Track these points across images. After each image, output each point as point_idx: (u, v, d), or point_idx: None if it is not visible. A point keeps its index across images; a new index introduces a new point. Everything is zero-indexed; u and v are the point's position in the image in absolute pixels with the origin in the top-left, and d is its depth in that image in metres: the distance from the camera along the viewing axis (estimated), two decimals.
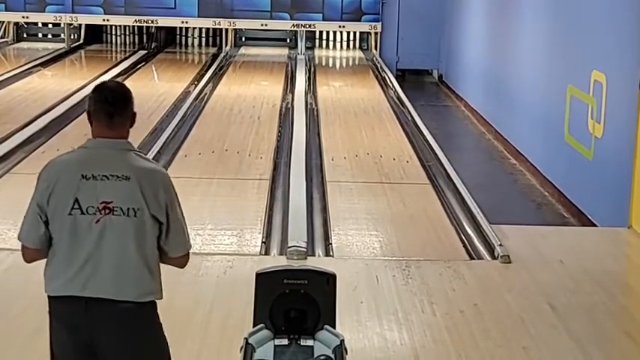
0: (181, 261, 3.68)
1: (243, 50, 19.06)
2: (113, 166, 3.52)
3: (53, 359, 3.67)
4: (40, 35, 19.80)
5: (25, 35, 19.80)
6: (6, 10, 18.66)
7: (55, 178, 3.53)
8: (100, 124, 3.58)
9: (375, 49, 18.39)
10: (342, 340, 3.56)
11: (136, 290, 3.53)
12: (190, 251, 3.70)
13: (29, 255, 3.65)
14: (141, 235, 3.51)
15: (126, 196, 3.49)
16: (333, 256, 6.83)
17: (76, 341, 3.55)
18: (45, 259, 3.65)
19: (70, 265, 3.51)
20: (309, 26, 18.43)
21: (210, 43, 19.77)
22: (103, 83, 3.67)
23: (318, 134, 11.22)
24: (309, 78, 15.75)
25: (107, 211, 3.48)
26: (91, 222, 3.49)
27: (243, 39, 19.46)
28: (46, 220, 3.55)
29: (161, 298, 3.63)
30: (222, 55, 18.15)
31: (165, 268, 3.68)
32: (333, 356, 3.52)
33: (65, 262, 3.52)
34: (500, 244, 6.82)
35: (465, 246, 7.14)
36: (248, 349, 3.54)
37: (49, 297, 3.61)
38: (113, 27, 19.58)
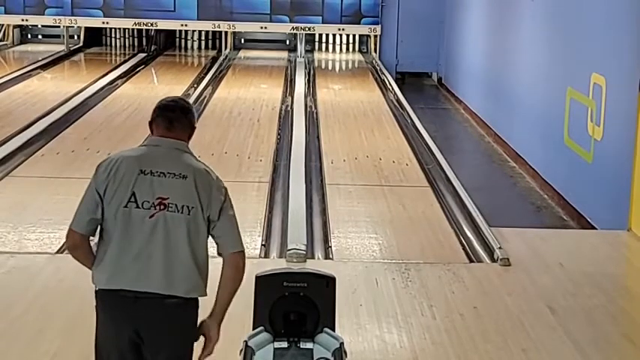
0: (238, 261, 3.69)
1: (242, 53, 19.08)
2: (171, 164, 3.64)
3: (97, 354, 3.70)
4: (40, 37, 19.82)
5: (29, 36, 19.83)
6: (5, 13, 18.67)
7: (114, 170, 3.61)
8: (159, 128, 3.72)
9: (375, 51, 18.40)
10: (342, 343, 3.56)
11: (185, 286, 3.60)
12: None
13: (72, 239, 3.67)
14: (193, 233, 3.60)
15: (182, 194, 3.60)
16: (332, 259, 6.83)
17: (122, 335, 3.60)
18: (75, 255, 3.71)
19: (120, 259, 3.58)
20: (309, 29, 18.44)
21: (210, 46, 19.78)
22: (166, 98, 3.83)
23: (318, 137, 11.22)
24: (308, 81, 15.75)
25: (162, 207, 3.58)
26: (145, 216, 3.58)
27: (242, 41, 19.47)
28: (102, 210, 3.61)
29: (205, 295, 3.68)
30: (221, 57, 18.16)
31: None
32: (332, 359, 3.52)
33: (116, 255, 3.59)
34: (500, 247, 6.82)
35: (464, 249, 7.14)
36: (247, 352, 3.54)
37: (96, 290, 3.65)
38: (113, 30, 19.59)
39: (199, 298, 3.70)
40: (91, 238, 3.71)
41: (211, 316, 3.73)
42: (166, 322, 3.61)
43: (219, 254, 3.71)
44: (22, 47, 19.44)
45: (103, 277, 3.61)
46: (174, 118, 3.72)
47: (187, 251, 3.60)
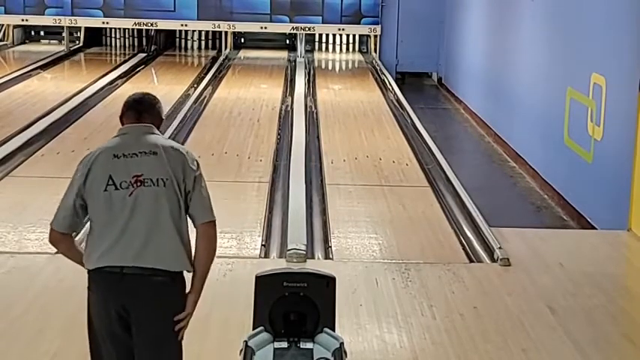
0: (209, 231, 3.82)
1: (242, 53, 19.08)
2: (141, 144, 3.82)
3: (90, 332, 3.81)
4: (42, 33, 19.81)
5: (32, 33, 19.82)
6: (5, 13, 18.67)
7: (90, 163, 3.80)
8: (129, 119, 3.94)
9: (375, 51, 18.40)
10: (342, 343, 3.56)
11: (170, 258, 3.73)
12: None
13: (54, 237, 3.88)
14: (171, 204, 3.75)
15: (155, 168, 3.76)
16: (332, 259, 6.82)
17: (110, 311, 3.71)
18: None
19: (106, 238, 3.72)
20: (309, 29, 18.44)
21: (210, 46, 19.78)
22: (134, 93, 4.03)
23: (318, 137, 11.22)
24: (308, 81, 15.75)
25: (138, 183, 3.74)
26: (124, 196, 3.73)
27: (242, 40, 19.46)
28: (82, 204, 3.79)
29: (190, 270, 3.81)
30: (221, 57, 18.16)
31: None
32: (332, 359, 3.52)
33: (102, 236, 3.73)
34: (500, 247, 6.82)
35: (464, 249, 7.14)
36: (248, 352, 3.55)
37: (88, 272, 3.78)
38: (113, 30, 19.59)
39: (185, 275, 3.81)
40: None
41: (190, 291, 3.84)
42: (154, 299, 3.71)
43: (192, 221, 3.85)
44: (22, 47, 19.43)
45: (92, 258, 3.74)
46: (143, 109, 3.94)
47: (169, 223, 3.73)
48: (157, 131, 3.92)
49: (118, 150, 3.81)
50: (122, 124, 3.96)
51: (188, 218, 3.84)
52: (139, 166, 3.76)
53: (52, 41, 19.49)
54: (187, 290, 3.84)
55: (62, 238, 3.84)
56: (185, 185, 3.79)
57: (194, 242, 3.84)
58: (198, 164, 3.88)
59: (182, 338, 3.82)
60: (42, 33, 19.90)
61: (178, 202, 3.77)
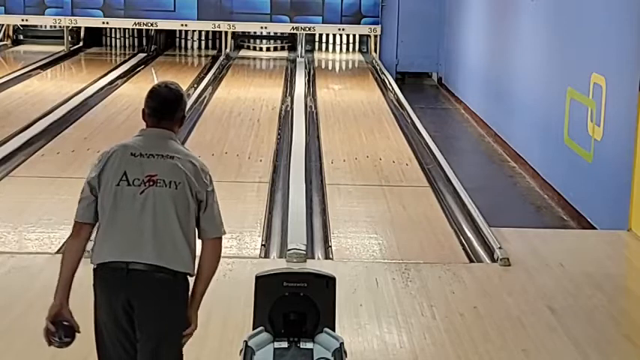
0: (216, 246, 3.88)
1: (242, 53, 19.08)
2: (159, 147, 3.87)
3: (96, 327, 3.84)
4: (29, 35, 19.78)
5: (22, 37, 19.77)
6: (5, 13, 18.67)
7: (107, 157, 3.86)
8: (148, 121, 3.96)
9: (375, 51, 18.40)
10: (342, 343, 3.56)
11: (174, 258, 3.75)
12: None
13: (76, 229, 3.87)
14: (181, 207, 3.78)
15: (169, 171, 3.81)
16: (332, 259, 6.83)
17: (116, 303, 3.75)
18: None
19: (114, 233, 3.77)
20: (309, 29, 18.44)
21: (210, 46, 19.78)
22: (158, 88, 3.97)
23: (318, 137, 11.22)
24: (308, 81, 15.75)
25: (151, 183, 3.79)
26: (135, 193, 3.78)
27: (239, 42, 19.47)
28: (97, 195, 3.83)
29: (193, 274, 3.84)
30: (221, 57, 18.16)
31: None
32: (332, 359, 3.53)
33: (110, 230, 3.78)
34: (500, 247, 6.82)
35: (464, 249, 7.14)
36: (248, 352, 3.55)
37: (94, 269, 3.82)
38: (113, 30, 19.59)
39: (189, 278, 3.83)
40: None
41: (190, 305, 3.86)
42: (157, 295, 3.74)
43: (200, 234, 3.89)
44: (22, 47, 19.41)
45: (99, 253, 3.79)
46: (163, 117, 3.94)
47: (176, 225, 3.77)
48: (175, 138, 3.96)
49: (135, 149, 3.85)
50: (143, 113, 3.97)
51: (195, 228, 3.86)
52: (154, 166, 3.81)
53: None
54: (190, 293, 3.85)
55: (81, 230, 3.84)
56: (198, 193, 3.82)
57: (199, 253, 3.86)
58: (211, 179, 3.91)
59: (185, 342, 3.86)
60: (22, 37, 19.79)
61: (188, 207, 3.79)
